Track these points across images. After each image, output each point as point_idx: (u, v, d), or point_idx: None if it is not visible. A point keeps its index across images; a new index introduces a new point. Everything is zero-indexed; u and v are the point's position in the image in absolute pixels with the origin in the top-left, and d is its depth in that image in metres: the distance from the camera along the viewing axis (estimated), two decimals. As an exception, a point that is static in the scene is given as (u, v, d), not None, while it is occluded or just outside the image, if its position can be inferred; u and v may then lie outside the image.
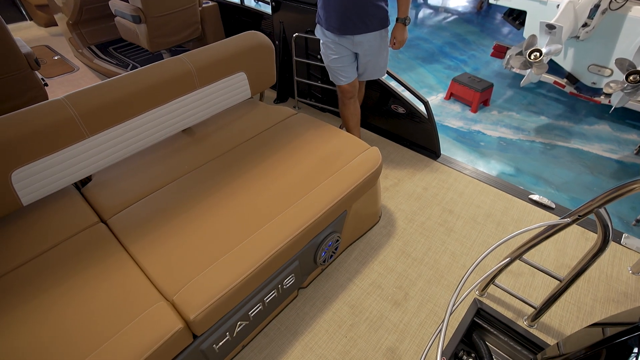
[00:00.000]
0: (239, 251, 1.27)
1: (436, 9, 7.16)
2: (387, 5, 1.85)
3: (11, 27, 4.52)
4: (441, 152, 2.47)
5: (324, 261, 1.63)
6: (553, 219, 1.67)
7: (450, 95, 4.12)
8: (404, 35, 1.93)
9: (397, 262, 1.84)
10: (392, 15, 1.87)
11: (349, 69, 2.02)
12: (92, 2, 3.17)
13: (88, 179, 1.64)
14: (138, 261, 1.28)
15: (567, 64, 3.55)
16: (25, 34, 4.30)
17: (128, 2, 2.70)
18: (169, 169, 1.67)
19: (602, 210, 1.06)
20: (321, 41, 2.02)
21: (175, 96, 1.65)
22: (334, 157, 1.68)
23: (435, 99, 4.17)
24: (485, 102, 3.98)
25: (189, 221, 1.40)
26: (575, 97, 3.76)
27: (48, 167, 1.36)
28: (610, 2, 2.91)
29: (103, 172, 1.63)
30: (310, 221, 1.40)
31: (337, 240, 1.63)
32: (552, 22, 2.59)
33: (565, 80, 3.66)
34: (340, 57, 1.97)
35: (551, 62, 3.66)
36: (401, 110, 2.41)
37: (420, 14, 6.96)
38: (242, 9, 3.12)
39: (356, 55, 2.01)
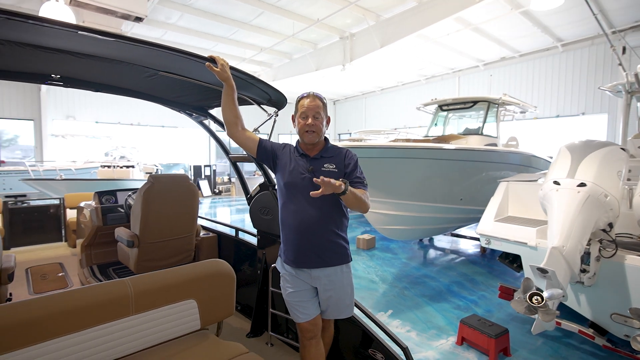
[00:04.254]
0: None
1: (443, 250, 7.51)
2: (347, 243, 1.86)
3: (44, 246, 5.08)
4: None
5: None
6: None
7: (462, 340, 3.58)
8: (333, 187, 1.58)
9: None
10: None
11: (308, 304, 1.84)
12: (107, 229, 3.57)
13: None
14: None
15: (585, 311, 3.16)
16: (50, 252, 4.72)
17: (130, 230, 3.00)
18: None
19: None
20: (280, 273, 1.95)
21: (98, 322, 1.46)
22: None
23: (446, 344, 3.62)
24: (505, 351, 3.38)
25: None
26: (615, 353, 3.12)
27: None
28: (600, 250, 2.87)
29: None
30: None
31: None
32: (541, 266, 2.48)
33: (591, 330, 3.16)
34: (297, 290, 1.84)
35: (565, 306, 3.31)
36: (379, 357, 2.00)
37: (428, 255, 7.25)
38: (238, 241, 3.35)
39: (317, 290, 1.87)
